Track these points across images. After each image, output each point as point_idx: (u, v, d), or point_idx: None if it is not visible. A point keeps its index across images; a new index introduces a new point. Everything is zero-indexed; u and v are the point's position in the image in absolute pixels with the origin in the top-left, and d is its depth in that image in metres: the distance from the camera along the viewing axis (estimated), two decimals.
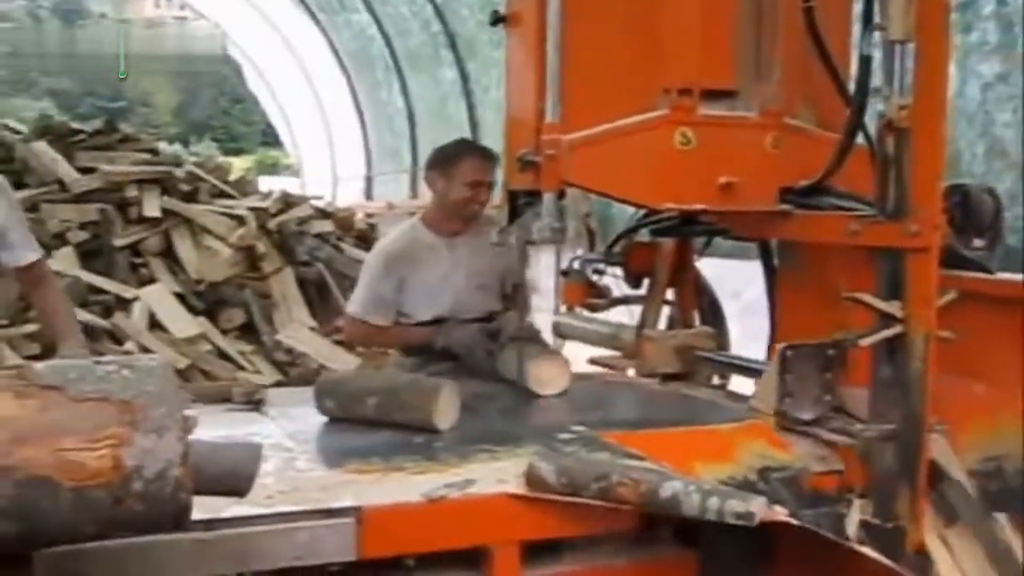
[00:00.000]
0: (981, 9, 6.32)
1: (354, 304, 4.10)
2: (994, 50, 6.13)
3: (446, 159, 3.97)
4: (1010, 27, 6.04)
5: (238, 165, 13.12)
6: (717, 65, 3.05)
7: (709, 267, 4.28)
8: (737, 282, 4.11)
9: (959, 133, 6.14)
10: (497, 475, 2.49)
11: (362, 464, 2.59)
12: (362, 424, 3.04)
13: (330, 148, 22.08)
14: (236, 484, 1.88)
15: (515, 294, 4.19)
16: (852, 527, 2.82)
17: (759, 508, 2.20)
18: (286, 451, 2.73)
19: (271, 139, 32.41)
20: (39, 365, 1.72)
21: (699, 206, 3.11)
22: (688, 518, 2.29)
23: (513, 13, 3.11)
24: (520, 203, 3.10)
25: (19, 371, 1.66)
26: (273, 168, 31.39)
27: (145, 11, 43.91)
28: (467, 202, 3.93)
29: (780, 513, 2.30)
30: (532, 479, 2.38)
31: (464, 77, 14.67)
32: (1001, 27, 6.11)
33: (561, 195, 3.07)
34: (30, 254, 3.45)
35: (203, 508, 2.14)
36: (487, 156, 3.99)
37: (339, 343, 7.15)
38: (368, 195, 19.25)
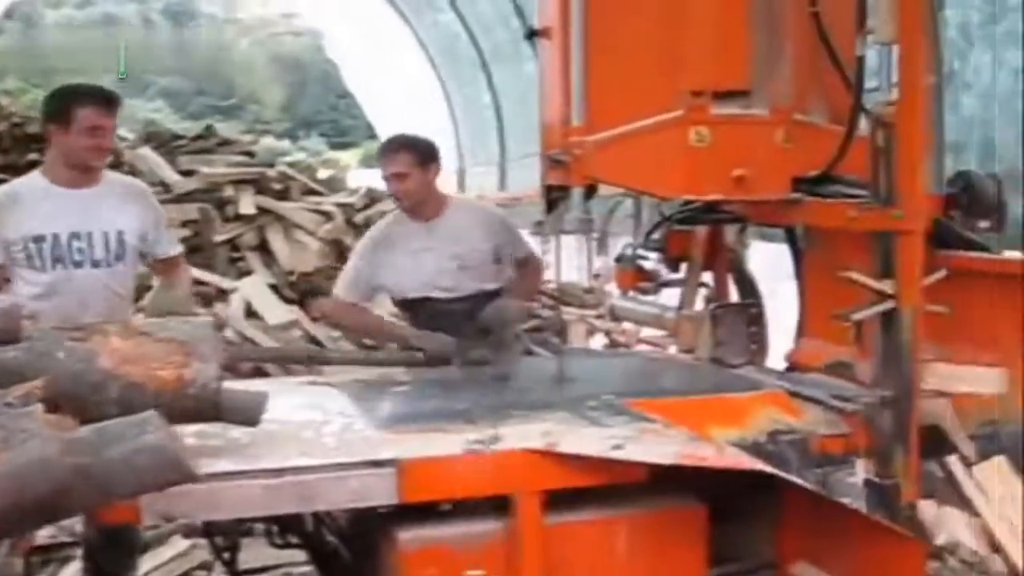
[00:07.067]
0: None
1: (336, 285, 4.50)
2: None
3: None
4: None
5: (346, 159, 13.54)
6: (730, 68, 3.33)
7: (766, 252, 4.56)
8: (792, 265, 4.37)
9: (992, 120, 6.26)
10: (524, 434, 2.85)
11: (409, 425, 3.01)
12: (416, 394, 3.44)
13: None
14: (248, 416, 2.70)
15: (521, 267, 4.45)
16: (857, 484, 3.11)
17: None
18: (347, 416, 3.15)
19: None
20: (138, 321, 2.70)
21: (715, 196, 3.42)
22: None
23: (543, 27, 3.45)
24: (554, 197, 3.44)
25: (124, 324, 2.72)
26: None
27: (253, 9, 44.69)
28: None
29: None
30: None
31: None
32: None
33: (591, 190, 3.41)
34: (170, 249, 4.15)
35: (272, 459, 2.63)
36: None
37: None
38: (461, 187, 19.68)
